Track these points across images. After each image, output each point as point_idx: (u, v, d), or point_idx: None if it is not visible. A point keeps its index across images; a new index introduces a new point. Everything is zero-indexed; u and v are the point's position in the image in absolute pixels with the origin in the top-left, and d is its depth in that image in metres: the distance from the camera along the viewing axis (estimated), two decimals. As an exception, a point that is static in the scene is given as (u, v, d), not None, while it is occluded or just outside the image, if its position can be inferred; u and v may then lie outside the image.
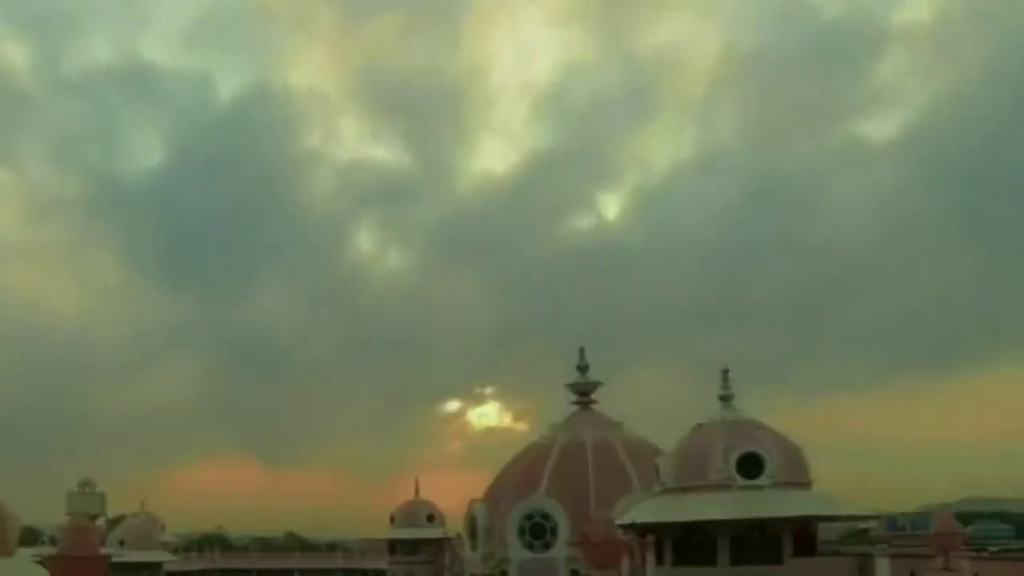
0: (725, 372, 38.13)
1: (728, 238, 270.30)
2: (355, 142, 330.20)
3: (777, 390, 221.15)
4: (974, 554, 33.10)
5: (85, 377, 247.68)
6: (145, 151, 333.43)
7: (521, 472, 54.63)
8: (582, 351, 58.50)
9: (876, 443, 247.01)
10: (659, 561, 37.52)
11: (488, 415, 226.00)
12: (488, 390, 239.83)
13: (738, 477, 35.06)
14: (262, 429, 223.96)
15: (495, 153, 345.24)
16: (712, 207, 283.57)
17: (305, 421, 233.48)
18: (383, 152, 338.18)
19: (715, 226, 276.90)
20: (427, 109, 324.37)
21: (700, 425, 37.47)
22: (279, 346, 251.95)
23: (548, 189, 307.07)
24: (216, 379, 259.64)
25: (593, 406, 58.22)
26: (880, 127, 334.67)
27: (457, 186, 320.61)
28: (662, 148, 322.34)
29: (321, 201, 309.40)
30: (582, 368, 58.21)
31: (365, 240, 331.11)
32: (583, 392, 58.30)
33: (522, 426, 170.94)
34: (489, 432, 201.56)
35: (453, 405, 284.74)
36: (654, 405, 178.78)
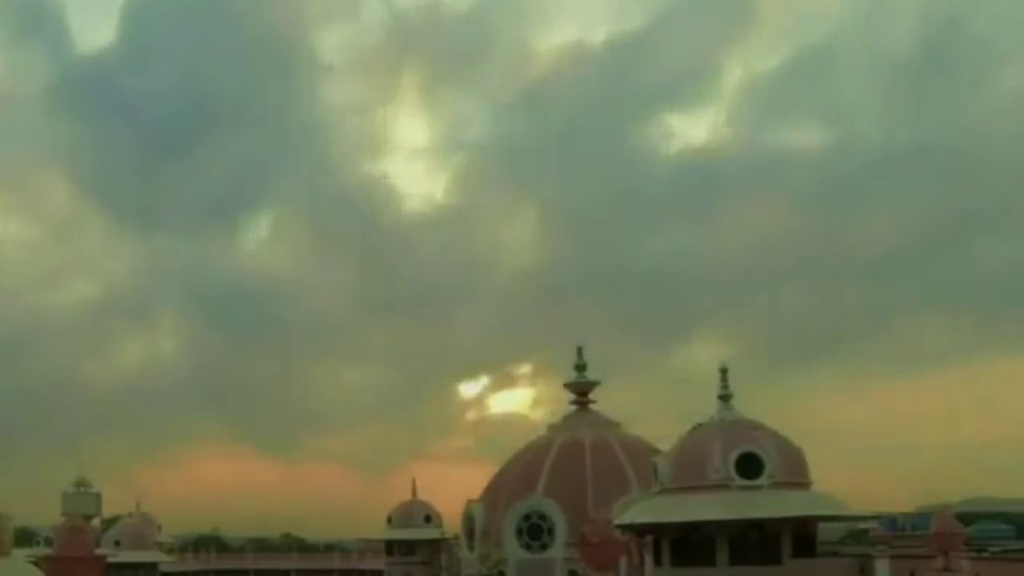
0: (724, 371, 37.90)
1: (861, 141, 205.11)
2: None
3: (829, 369, 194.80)
4: (974, 555, 32.94)
5: (37, 348, 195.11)
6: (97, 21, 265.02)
7: (519, 472, 54.48)
8: (580, 350, 58.23)
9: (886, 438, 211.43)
10: (657, 562, 37.32)
11: (518, 399, 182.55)
12: (524, 368, 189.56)
13: (737, 477, 34.87)
14: (258, 412, 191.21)
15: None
16: (855, 93, 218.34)
17: (306, 404, 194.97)
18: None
19: (849, 122, 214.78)
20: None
21: (699, 425, 37.29)
22: (279, 302, 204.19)
23: (651, 62, 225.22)
24: (202, 347, 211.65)
25: (592, 405, 58.02)
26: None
27: (527, 59, 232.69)
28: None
29: (334, 101, 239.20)
30: (580, 367, 57.96)
31: (391, 152, 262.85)
32: (581, 392, 58.10)
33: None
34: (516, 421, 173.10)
35: (481, 385, 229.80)
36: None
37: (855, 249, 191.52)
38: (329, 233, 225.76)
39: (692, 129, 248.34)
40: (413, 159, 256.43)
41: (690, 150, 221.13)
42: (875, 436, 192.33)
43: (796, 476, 35.83)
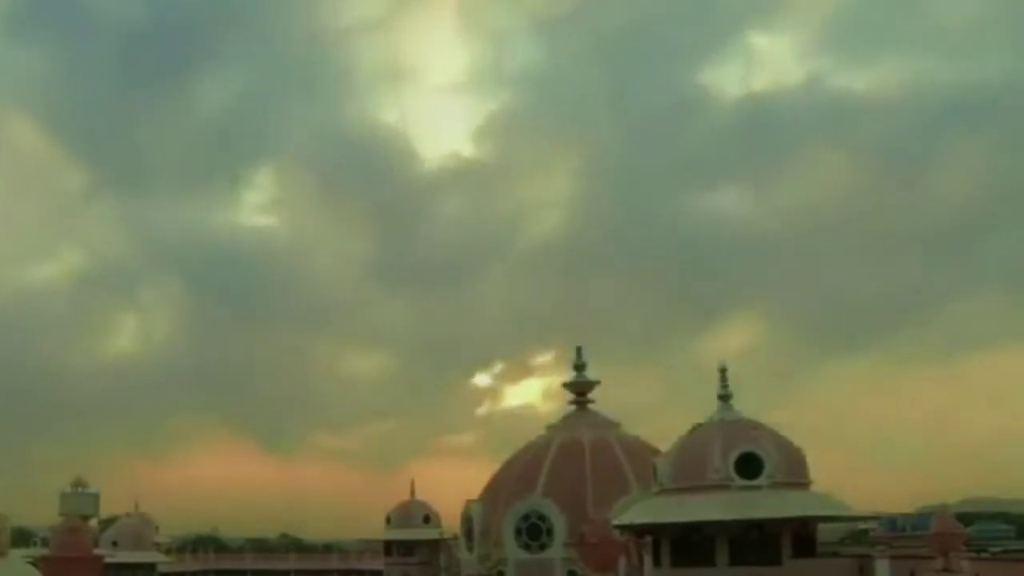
0: (723, 371, 37.78)
1: (947, 76, 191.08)
2: None
3: (833, 369, 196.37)
4: (974, 555, 32.87)
5: (18, 335, 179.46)
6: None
7: (518, 472, 54.34)
8: (579, 350, 58.10)
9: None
10: (657, 562, 37.21)
11: (534, 392, 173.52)
12: (542, 357, 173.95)
13: (736, 477, 34.79)
14: (257, 407, 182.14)
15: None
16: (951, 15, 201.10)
17: (307, 398, 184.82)
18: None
19: (937, 52, 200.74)
20: None
21: (698, 425, 37.19)
22: (278, 277, 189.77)
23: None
24: (196, 333, 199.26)
25: (591, 405, 57.87)
26: None
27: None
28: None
29: (344, 19, 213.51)
30: (579, 367, 57.82)
31: (411, 87, 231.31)
32: (580, 392, 57.97)
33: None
34: (531, 415, 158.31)
35: (494, 375, 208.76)
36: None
37: (887, 232, 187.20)
38: (336, 193, 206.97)
39: (767, 55, 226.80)
40: (437, 95, 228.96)
41: (754, 94, 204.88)
42: (875, 436, 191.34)
43: (796, 476, 35.73)
